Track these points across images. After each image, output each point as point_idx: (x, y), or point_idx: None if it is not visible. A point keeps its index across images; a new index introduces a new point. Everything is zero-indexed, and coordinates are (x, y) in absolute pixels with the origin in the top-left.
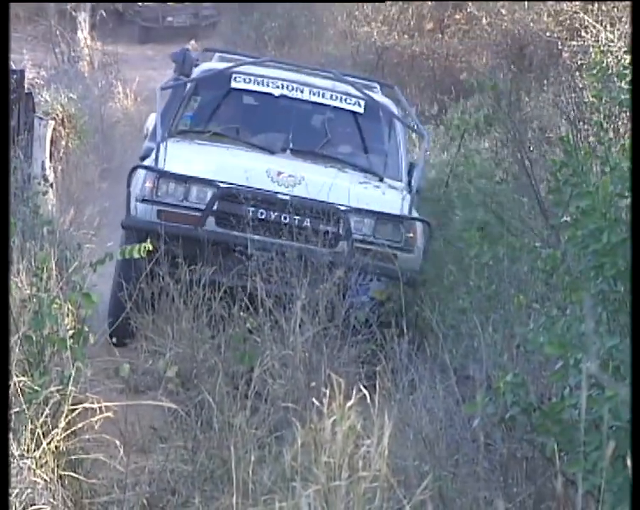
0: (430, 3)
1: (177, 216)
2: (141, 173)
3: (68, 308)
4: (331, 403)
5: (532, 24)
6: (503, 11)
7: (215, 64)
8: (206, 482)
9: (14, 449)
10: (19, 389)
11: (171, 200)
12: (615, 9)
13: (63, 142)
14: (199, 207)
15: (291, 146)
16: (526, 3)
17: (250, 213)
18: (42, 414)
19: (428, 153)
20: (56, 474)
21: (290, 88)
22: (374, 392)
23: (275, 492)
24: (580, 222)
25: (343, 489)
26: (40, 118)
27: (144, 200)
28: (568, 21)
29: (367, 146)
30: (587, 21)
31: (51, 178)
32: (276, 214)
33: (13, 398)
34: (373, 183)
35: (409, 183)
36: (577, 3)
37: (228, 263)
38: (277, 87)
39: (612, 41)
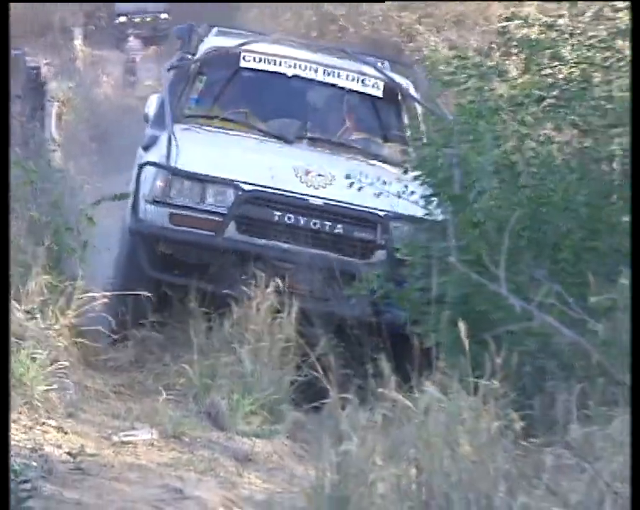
0: (313, 19)
1: (192, 220)
2: (151, 170)
3: (77, 228)
4: (256, 290)
5: (384, 32)
6: (364, 23)
7: (217, 39)
8: (173, 346)
9: (42, 323)
10: (45, 284)
11: (186, 201)
12: (440, 22)
13: (65, 117)
14: (217, 210)
15: (308, 135)
16: (380, 17)
17: (277, 218)
18: (60, 300)
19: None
20: (70, 340)
21: (303, 67)
22: (285, 282)
23: (221, 351)
24: (422, 166)
25: (266, 348)
26: (50, 100)
27: (154, 201)
28: (409, 29)
29: (387, 134)
30: (422, 29)
31: (58, 140)
32: (305, 219)
33: (40, 289)
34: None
35: None
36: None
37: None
38: (290, 66)
39: (438, 43)
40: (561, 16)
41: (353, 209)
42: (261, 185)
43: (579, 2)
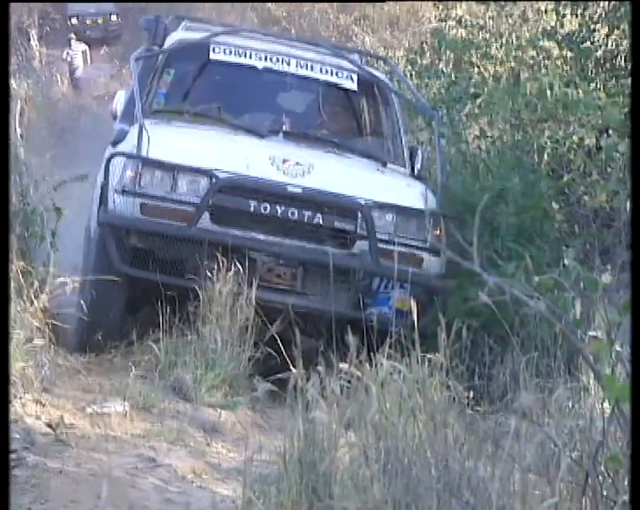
0: (255, 21)
1: (164, 211)
2: (120, 160)
3: (45, 217)
4: (218, 274)
5: (322, 33)
6: (305, 25)
7: (183, 33)
8: (140, 326)
9: (19, 307)
10: (18, 270)
11: (157, 191)
12: (375, 23)
13: (26, 113)
14: (190, 200)
15: (284, 128)
16: (319, 19)
17: (252, 208)
18: (33, 284)
19: (444, 136)
20: (43, 322)
21: (275, 60)
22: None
23: (184, 329)
24: None
25: (226, 326)
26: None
27: (124, 192)
28: (345, 31)
29: (365, 127)
30: (358, 31)
31: (24, 135)
32: (283, 208)
33: (15, 274)
34: (389, 172)
35: (412, 169)
36: (350, 19)
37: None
38: (261, 59)
39: (373, 43)
40: (491, 18)
41: (333, 197)
42: (236, 174)
43: (505, 5)
